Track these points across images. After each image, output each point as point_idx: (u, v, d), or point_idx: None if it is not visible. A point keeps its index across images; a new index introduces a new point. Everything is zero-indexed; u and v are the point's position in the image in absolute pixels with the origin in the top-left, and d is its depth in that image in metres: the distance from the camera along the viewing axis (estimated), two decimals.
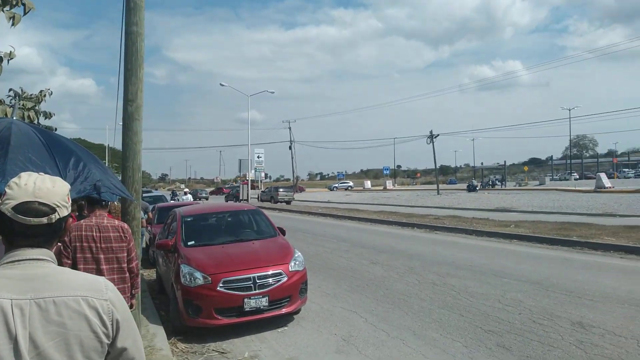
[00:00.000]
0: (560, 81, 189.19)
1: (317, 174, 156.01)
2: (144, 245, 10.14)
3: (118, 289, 1.37)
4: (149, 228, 10.86)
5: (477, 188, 50.02)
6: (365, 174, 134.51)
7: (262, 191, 44.13)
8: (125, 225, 4.06)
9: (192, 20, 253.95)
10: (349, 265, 9.46)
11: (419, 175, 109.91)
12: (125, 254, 3.94)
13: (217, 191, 62.65)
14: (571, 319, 5.27)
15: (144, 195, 18.12)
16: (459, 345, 4.75)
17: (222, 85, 41.69)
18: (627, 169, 76.02)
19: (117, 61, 5.37)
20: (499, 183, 55.05)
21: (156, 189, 76.56)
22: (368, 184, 76.84)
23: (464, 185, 71.84)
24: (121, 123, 4.90)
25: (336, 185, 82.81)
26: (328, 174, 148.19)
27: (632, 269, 8.09)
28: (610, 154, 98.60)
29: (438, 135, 44.70)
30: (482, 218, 17.25)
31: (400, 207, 27.38)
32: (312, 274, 8.37)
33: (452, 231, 14.55)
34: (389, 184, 72.03)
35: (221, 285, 5.36)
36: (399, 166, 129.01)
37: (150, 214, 10.98)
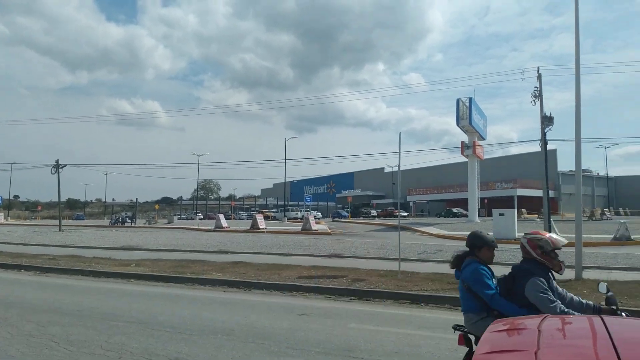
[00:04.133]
0: (194, 128, 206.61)
1: None
2: None
3: None
4: None
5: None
6: None
7: None
8: None
9: None
10: None
11: (40, 208, 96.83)
12: None
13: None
14: (169, 355, 5.50)
15: None
16: None
17: None
18: (242, 212, 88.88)
19: None
20: (129, 220, 54.50)
21: None
22: None
23: (95, 221, 67.86)
24: None
25: None
26: None
27: (231, 300, 9.27)
28: (230, 197, 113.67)
29: (65, 165, 40.78)
30: (105, 257, 16.50)
31: (9, 245, 23.13)
32: None
33: (67, 272, 13.25)
34: (0, 217, 60.32)
35: None
36: (16, 196, 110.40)
37: None
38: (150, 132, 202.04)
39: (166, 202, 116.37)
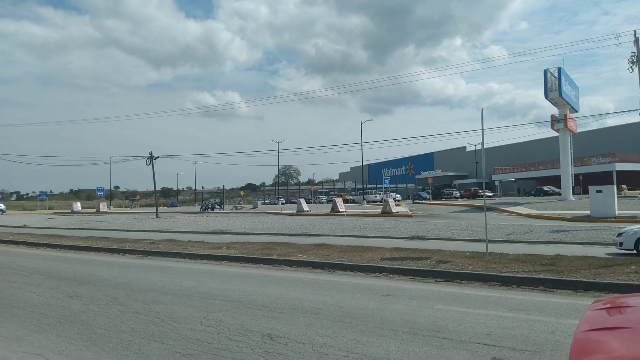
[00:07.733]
0: (272, 116, 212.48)
1: (12, 194, 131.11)
2: None
3: None
4: None
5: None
6: (76, 194, 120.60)
7: None
8: None
9: None
10: (39, 301, 8.15)
11: (138, 197, 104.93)
12: None
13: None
14: (262, 332, 5.80)
15: None
16: None
17: None
18: (321, 195, 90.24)
19: None
20: (218, 206, 57.40)
21: None
22: (78, 206, 68.88)
23: (186, 208, 72.40)
24: None
25: None
26: (28, 194, 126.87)
27: (317, 281, 9.52)
28: (310, 182, 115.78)
29: (158, 157, 43.80)
30: (198, 241, 17.58)
31: (113, 231, 25.44)
32: None
33: (166, 255, 14.32)
34: (103, 206, 66.27)
35: None
36: (116, 187, 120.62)
37: None
38: (232, 122, 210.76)
39: (250, 188, 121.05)
